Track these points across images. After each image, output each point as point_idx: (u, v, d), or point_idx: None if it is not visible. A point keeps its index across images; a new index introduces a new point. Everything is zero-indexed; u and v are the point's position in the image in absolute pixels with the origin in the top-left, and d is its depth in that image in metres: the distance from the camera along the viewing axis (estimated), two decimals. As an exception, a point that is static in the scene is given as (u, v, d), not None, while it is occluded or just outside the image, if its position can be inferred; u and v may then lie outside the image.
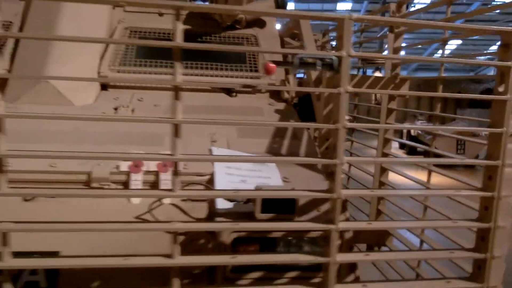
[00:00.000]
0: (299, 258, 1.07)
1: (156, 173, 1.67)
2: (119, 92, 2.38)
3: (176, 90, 0.94)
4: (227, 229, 1.33)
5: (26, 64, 2.31)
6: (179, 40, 0.92)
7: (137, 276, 1.40)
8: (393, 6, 2.30)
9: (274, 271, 1.54)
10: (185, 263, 1.02)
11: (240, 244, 1.54)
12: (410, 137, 11.60)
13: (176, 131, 0.98)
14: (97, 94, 2.34)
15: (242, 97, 2.50)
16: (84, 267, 0.96)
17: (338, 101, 1.00)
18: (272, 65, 1.19)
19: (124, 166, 1.66)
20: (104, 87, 2.42)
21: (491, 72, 22.52)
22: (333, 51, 0.98)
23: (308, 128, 2.32)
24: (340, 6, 21.00)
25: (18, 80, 2.23)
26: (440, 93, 1.25)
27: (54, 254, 1.40)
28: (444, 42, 1.83)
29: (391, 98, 2.29)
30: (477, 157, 8.84)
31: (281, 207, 1.52)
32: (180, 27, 0.92)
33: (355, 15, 0.97)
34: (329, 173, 1.04)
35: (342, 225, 1.02)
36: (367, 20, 1.03)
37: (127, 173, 1.65)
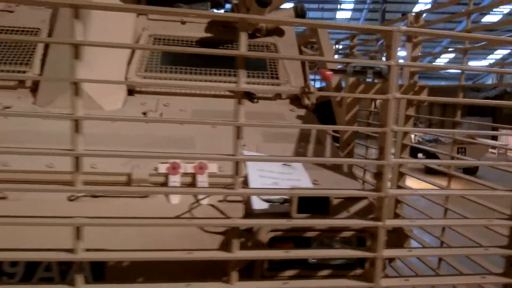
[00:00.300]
0: (349, 253, 1.14)
1: (193, 175, 1.74)
2: (145, 97, 2.45)
3: (240, 96, 1.01)
4: (287, 225, 1.40)
5: (56, 70, 2.38)
6: (243, 49, 1.00)
7: (179, 271, 1.46)
8: (410, 17, 2.39)
9: (307, 269, 1.61)
10: (244, 256, 1.09)
11: (276, 243, 1.61)
12: (413, 148, 11.66)
13: (238, 133, 1.05)
14: (124, 99, 2.41)
15: (263, 103, 2.58)
16: (150, 260, 1.03)
17: (386, 107, 1.07)
18: (329, 72, 1.26)
19: (163, 168, 1.73)
20: (130, 92, 2.49)
21: (489, 81, 22.79)
22: (383, 61, 1.06)
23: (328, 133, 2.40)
24: (340, 15, 21.22)
25: (50, 85, 2.31)
26: (466, 100, 1.33)
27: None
28: (466, 51, 1.92)
29: (409, 104, 2.37)
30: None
31: (315, 207, 1.59)
32: (244, 37, 1.00)
33: (403, 27, 1.06)
34: (377, 173, 1.11)
35: (389, 222, 1.10)
36: (414, 32, 1.10)
37: (166, 175, 1.73)
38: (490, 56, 24.02)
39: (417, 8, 19.81)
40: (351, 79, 2.04)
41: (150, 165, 1.74)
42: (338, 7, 20.41)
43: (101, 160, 1.74)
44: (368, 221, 1.13)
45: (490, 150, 13.09)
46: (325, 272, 1.62)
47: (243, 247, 1.60)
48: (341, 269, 1.63)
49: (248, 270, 1.60)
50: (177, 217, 1.49)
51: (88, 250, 1.03)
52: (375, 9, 19.65)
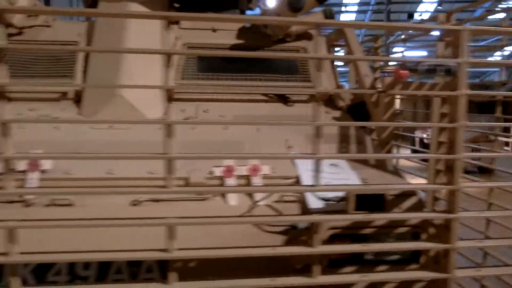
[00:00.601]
0: (421, 245, 1.18)
1: (247, 177, 1.80)
2: (184, 104, 2.51)
3: (318, 99, 1.07)
4: (370, 219, 1.44)
5: (98, 81, 2.45)
6: (323, 52, 1.05)
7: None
8: (441, 17, 2.44)
9: (363, 265, 1.66)
10: (326, 251, 1.13)
11: (335, 240, 1.65)
12: (423, 145, 11.66)
13: (318, 133, 1.10)
14: (164, 107, 2.47)
15: (298, 106, 2.63)
16: (240, 256, 1.08)
17: (456, 103, 1.12)
18: (404, 71, 1.31)
19: (218, 171, 1.78)
20: (169, 100, 2.54)
21: (497, 78, 22.71)
22: (451, 59, 1.11)
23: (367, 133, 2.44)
24: (344, 17, 21.30)
25: (93, 96, 2.38)
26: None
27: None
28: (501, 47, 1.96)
29: (444, 102, 2.41)
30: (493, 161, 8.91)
31: (371, 204, 1.64)
32: (321, 41, 1.05)
33: (471, 27, 1.11)
34: (448, 167, 1.16)
35: (463, 214, 1.14)
36: (482, 31, 1.15)
37: (221, 178, 1.78)
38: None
39: (421, 8, 19.87)
40: (368, 80, 2.10)
41: (205, 169, 1.80)
42: (343, 9, 20.49)
43: (158, 166, 1.80)
44: (442, 214, 1.18)
45: (504, 147, 13.01)
46: (381, 268, 1.66)
47: (304, 244, 1.66)
48: (396, 265, 1.67)
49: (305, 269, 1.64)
50: (241, 216, 1.54)
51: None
52: (380, 10, 19.71)
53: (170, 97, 2.54)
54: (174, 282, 1.06)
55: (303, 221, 1.19)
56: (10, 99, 2.48)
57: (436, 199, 2.48)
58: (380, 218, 1.42)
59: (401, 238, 1.70)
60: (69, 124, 2.14)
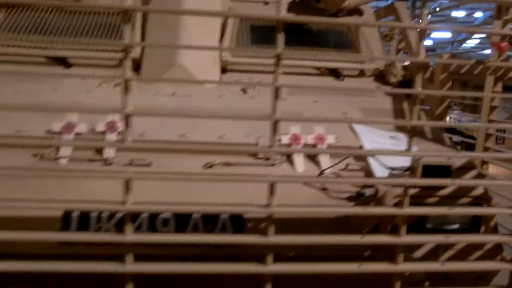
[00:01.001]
0: (487, 210, 1.23)
1: (314, 145, 1.86)
2: (238, 75, 2.56)
3: (419, 70, 1.11)
4: (441, 184, 1.52)
5: (156, 49, 2.50)
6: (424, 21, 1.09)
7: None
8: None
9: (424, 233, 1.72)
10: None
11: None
12: (448, 130, 11.52)
13: (414, 101, 1.14)
14: (220, 77, 2.53)
15: (348, 80, 2.66)
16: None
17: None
18: (504, 43, 1.35)
19: (285, 139, 1.85)
20: (223, 71, 2.60)
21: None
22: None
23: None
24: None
25: (152, 64, 2.43)
26: None
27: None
28: None
29: (497, 81, 2.43)
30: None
31: (437, 175, 1.70)
32: (425, 12, 1.09)
33: None
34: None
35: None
36: None
37: (289, 145, 1.84)
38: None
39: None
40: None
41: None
42: None
43: (227, 131, 1.87)
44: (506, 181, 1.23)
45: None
46: (441, 238, 1.73)
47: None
48: (456, 233, 1.73)
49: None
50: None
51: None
52: None
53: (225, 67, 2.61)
54: (272, 236, 1.14)
55: (380, 183, 1.25)
56: (70, 65, 2.58)
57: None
58: (450, 184, 1.48)
59: None
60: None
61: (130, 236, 1.14)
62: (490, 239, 1.23)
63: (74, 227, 1.54)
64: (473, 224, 1.76)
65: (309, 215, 1.22)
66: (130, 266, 1.18)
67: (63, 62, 2.47)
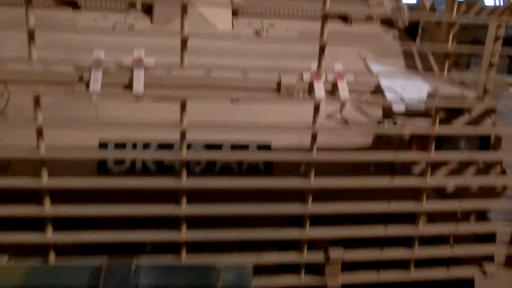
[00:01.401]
0: None
1: (335, 83, 1.93)
2: (249, 18, 2.58)
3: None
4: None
5: None
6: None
7: None
8: None
9: None
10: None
11: (414, 139, 1.83)
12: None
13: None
14: (231, 20, 2.54)
15: (356, 25, 2.71)
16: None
17: None
18: None
19: (306, 76, 1.91)
20: (234, 13, 2.61)
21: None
22: None
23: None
24: None
25: (165, 6, 2.43)
26: None
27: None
28: None
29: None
30: None
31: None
32: None
33: None
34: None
35: None
36: None
37: (310, 83, 1.91)
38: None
39: None
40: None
41: (295, 73, 1.91)
42: None
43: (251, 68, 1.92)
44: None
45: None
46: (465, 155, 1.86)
47: (388, 144, 1.84)
48: None
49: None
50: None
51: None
52: None
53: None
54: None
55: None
56: (79, 7, 2.55)
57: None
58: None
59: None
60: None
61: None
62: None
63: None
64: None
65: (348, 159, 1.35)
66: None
67: (73, 4, 2.46)
